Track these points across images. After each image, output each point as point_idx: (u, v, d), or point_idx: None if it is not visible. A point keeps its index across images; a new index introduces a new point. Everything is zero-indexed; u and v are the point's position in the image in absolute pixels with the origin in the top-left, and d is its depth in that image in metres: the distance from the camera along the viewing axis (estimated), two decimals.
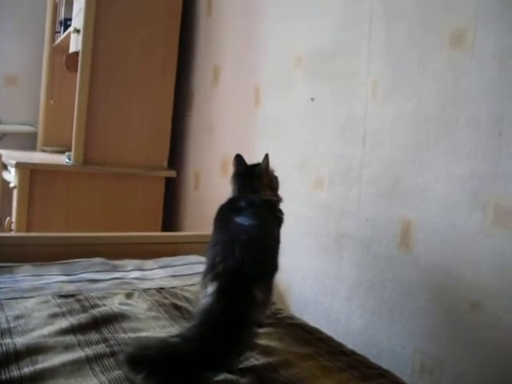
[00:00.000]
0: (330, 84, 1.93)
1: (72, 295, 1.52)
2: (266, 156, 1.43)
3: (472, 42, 1.39)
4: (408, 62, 1.60)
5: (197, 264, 1.59)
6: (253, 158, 1.52)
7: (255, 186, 1.42)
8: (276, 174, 1.51)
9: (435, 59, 1.51)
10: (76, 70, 2.80)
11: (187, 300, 1.56)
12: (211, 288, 1.13)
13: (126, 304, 1.49)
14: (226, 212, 1.35)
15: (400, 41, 1.63)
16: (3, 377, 1.04)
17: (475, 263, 1.37)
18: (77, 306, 1.44)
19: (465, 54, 1.41)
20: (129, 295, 1.58)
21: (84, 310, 1.41)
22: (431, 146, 1.51)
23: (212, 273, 1.16)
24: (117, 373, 1.09)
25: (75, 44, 2.91)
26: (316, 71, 2.00)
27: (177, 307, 1.51)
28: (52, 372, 1.08)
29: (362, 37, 1.77)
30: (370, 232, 1.71)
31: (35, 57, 3.76)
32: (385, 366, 1.31)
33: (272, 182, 1.47)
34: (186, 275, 1.80)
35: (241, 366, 1.14)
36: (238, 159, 1.49)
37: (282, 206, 1.49)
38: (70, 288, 1.59)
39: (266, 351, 1.26)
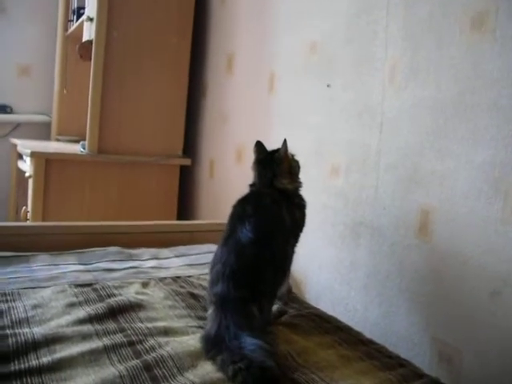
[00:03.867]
0: (346, 70, 1.90)
1: (88, 284, 1.52)
2: (285, 141, 1.42)
3: (493, 26, 1.36)
4: (426, 47, 1.57)
5: (212, 253, 1.58)
6: (268, 145, 1.51)
7: (275, 172, 1.43)
8: (296, 158, 1.50)
9: (454, 44, 1.48)
10: (89, 59, 2.79)
11: (204, 288, 1.56)
12: (209, 311, 1.27)
13: (143, 293, 1.49)
14: (234, 218, 1.37)
15: (418, 25, 1.60)
16: (22, 366, 1.05)
17: (495, 252, 1.35)
18: (93, 295, 1.44)
19: (485, 39, 1.38)
20: (145, 284, 1.58)
21: (101, 299, 1.42)
22: (450, 133, 1.49)
23: (209, 298, 1.31)
24: (134, 362, 1.09)
25: (88, 32, 2.90)
26: (332, 57, 1.98)
27: (193, 296, 1.51)
28: (70, 361, 1.08)
29: (380, 21, 1.74)
30: (387, 220, 1.69)
31: (48, 46, 3.76)
32: (403, 356, 1.31)
33: (292, 168, 1.46)
34: (202, 264, 1.79)
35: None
36: (259, 146, 1.49)
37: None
38: (86, 277, 1.59)
39: (284, 339, 1.26)
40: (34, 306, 1.34)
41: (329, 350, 1.24)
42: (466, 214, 1.43)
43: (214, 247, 1.84)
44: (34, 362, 1.06)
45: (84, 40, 3.00)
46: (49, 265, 1.67)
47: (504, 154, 1.33)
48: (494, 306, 1.35)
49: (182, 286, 1.58)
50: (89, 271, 1.65)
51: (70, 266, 1.67)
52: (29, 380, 1.01)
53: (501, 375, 1.33)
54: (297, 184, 1.48)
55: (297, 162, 1.50)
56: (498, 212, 1.34)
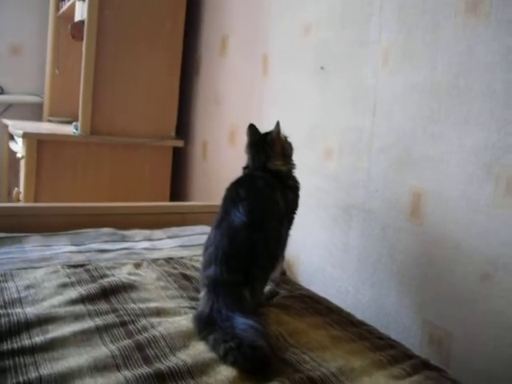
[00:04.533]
0: (340, 53, 1.89)
1: (81, 265, 1.52)
2: (278, 123, 1.42)
3: (488, 9, 1.36)
4: (421, 30, 1.57)
5: (205, 234, 1.59)
6: (261, 127, 1.50)
7: (267, 154, 1.43)
8: (289, 140, 1.50)
9: (449, 27, 1.47)
10: (82, 39, 2.77)
11: (196, 270, 1.56)
12: (202, 293, 1.27)
13: (135, 274, 1.49)
14: (227, 201, 1.37)
15: (413, 8, 1.59)
16: (15, 345, 1.05)
17: (486, 235, 1.36)
18: (86, 276, 1.44)
19: (480, 22, 1.38)
20: (137, 265, 1.58)
21: (93, 280, 1.42)
22: (443, 117, 1.49)
23: (202, 280, 1.31)
24: (126, 342, 1.10)
25: (80, 12, 2.87)
26: (326, 39, 1.97)
27: (186, 277, 1.51)
28: (62, 341, 1.09)
29: (374, 4, 1.73)
30: (379, 203, 1.70)
31: (40, 26, 3.72)
32: (393, 338, 1.32)
33: (285, 149, 1.46)
34: (195, 245, 1.80)
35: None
36: (252, 129, 1.49)
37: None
38: (78, 258, 1.59)
39: (275, 320, 1.27)
40: (27, 287, 1.34)
41: (320, 331, 1.24)
42: (457, 198, 1.44)
43: (206, 229, 1.85)
44: (26, 342, 1.07)
45: (76, 20, 2.97)
46: (41, 246, 1.67)
47: (496, 137, 1.33)
48: (485, 289, 1.36)
49: (174, 267, 1.58)
50: (81, 252, 1.65)
51: (62, 247, 1.67)
52: (21, 359, 1.01)
53: (489, 357, 1.35)
54: (290, 165, 1.48)
55: (289, 144, 1.50)
56: (490, 195, 1.35)
